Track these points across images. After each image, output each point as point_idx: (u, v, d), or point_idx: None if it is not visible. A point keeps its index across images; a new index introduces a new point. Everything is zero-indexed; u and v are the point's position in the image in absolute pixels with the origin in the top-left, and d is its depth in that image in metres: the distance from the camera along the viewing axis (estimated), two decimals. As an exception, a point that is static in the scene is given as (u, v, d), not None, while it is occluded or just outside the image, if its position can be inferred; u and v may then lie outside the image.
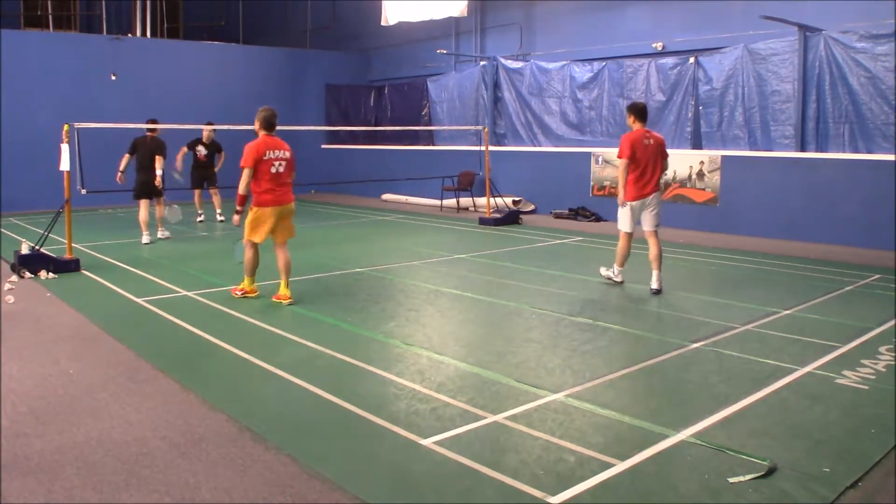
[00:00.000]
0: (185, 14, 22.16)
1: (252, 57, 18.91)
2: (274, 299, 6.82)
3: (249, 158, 6.51)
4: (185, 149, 12.61)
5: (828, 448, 3.70)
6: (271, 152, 6.59)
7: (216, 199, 13.17)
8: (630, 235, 7.49)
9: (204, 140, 12.65)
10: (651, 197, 7.37)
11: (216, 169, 12.90)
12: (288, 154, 6.73)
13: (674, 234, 11.71)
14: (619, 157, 7.31)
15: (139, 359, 5.15)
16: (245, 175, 6.54)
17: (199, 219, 13.11)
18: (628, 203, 7.37)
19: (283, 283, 6.82)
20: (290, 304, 6.71)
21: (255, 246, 6.84)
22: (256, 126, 6.77)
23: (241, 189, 6.57)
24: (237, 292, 7.02)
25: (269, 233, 6.72)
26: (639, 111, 7.44)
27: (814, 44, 11.04)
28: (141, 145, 10.95)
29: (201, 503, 3.15)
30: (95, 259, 9.15)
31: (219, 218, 13.13)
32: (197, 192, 13.00)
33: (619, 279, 7.71)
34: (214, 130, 12.69)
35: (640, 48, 13.91)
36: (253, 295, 6.98)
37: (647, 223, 7.43)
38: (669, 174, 12.65)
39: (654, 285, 7.33)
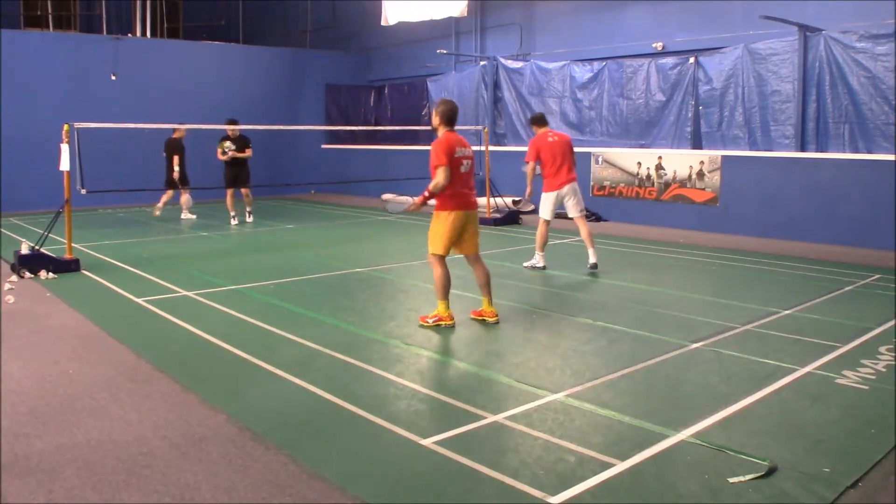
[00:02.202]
0: (185, 14, 22.15)
1: (252, 57, 18.92)
2: (473, 315, 6.17)
3: (443, 155, 5.67)
4: (218, 149, 12.47)
5: (828, 448, 3.70)
6: (460, 150, 5.81)
7: (247, 199, 12.95)
8: (548, 223, 8.46)
9: (230, 136, 12.45)
10: (567, 187, 8.32)
11: (244, 153, 12.43)
12: (471, 152, 5.96)
13: (674, 234, 11.72)
14: (526, 160, 8.34)
15: (139, 359, 5.15)
16: (442, 174, 5.66)
17: (233, 221, 12.73)
18: (549, 194, 8.33)
19: (485, 299, 6.07)
20: (495, 322, 6.03)
21: (443, 260, 5.95)
22: (436, 121, 5.94)
23: (437, 188, 5.71)
24: (429, 320, 5.97)
25: (455, 244, 5.94)
26: (536, 120, 8.54)
27: (814, 44, 11.04)
28: (165, 145, 13.17)
29: (201, 503, 3.16)
30: (95, 259, 9.15)
31: (248, 219, 12.93)
32: (229, 191, 12.69)
33: (541, 264, 8.45)
34: (238, 125, 12.54)
35: (640, 48, 13.91)
36: (449, 323, 5.95)
37: (572, 211, 8.44)
38: (669, 174, 12.68)
39: (592, 260, 8.29)
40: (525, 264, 8.59)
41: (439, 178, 5.70)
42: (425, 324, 6.00)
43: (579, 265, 8.44)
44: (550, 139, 8.29)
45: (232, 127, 12.41)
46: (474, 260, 6.14)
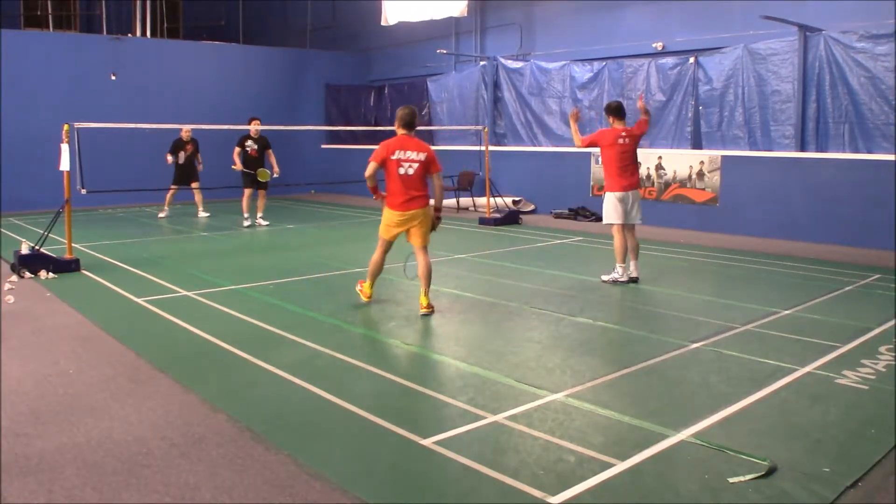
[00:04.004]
0: (185, 14, 22.16)
1: (252, 57, 18.91)
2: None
3: (377, 155, 6.31)
4: (237, 148, 12.26)
5: (828, 448, 3.70)
6: (401, 152, 6.27)
7: (261, 202, 12.59)
8: (622, 227, 7.76)
9: (252, 135, 12.25)
10: (634, 192, 7.77)
11: (275, 173, 12.36)
12: (423, 156, 6.30)
13: (674, 234, 11.72)
14: (581, 144, 7.92)
15: (139, 359, 5.15)
16: (368, 168, 6.31)
17: (246, 223, 12.46)
18: (615, 194, 7.68)
19: (421, 290, 6.38)
20: (427, 314, 6.29)
21: (383, 246, 6.57)
22: (396, 126, 6.48)
23: (367, 182, 6.42)
24: (357, 286, 6.83)
25: (397, 235, 6.49)
26: (614, 110, 7.86)
27: (814, 44, 11.04)
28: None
29: (201, 503, 3.16)
30: (95, 259, 9.15)
31: (261, 222, 12.56)
32: (247, 192, 12.38)
33: (624, 278, 7.75)
34: (260, 124, 12.36)
35: (640, 48, 13.90)
36: (365, 298, 6.70)
37: (632, 219, 7.83)
38: (669, 174, 12.68)
39: (633, 273, 7.80)
40: (604, 278, 7.83)
41: (366, 171, 6.34)
42: (357, 288, 6.83)
43: (579, 265, 8.43)
44: (622, 141, 7.67)
45: (255, 127, 12.22)
46: (418, 251, 6.48)
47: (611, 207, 7.74)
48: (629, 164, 7.77)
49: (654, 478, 3.36)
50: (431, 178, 6.44)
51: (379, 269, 6.69)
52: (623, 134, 7.74)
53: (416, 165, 6.29)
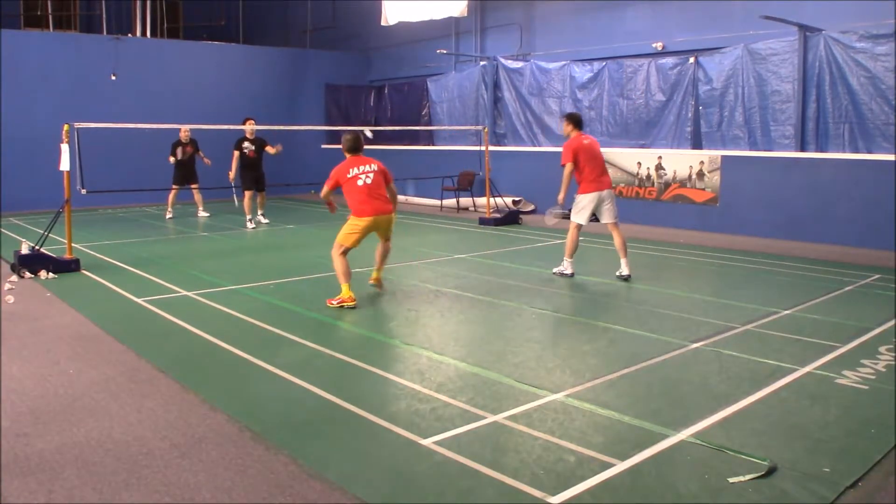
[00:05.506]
0: (185, 14, 22.13)
1: (252, 57, 18.91)
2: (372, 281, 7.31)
3: (331, 179, 7.03)
4: (236, 153, 12.22)
5: (828, 448, 3.70)
6: (355, 169, 6.91)
7: (261, 201, 12.72)
8: (580, 227, 8.08)
9: (248, 136, 12.22)
10: (606, 192, 7.99)
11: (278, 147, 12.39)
12: (375, 167, 7.00)
13: (674, 234, 11.72)
14: (563, 163, 7.98)
15: (139, 359, 5.15)
16: (323, 189, 7.14)
17: (250, 224, 12.39)
18: (589, 195, 7.94)
19: (375, 265, 7.23)
20: (375, 286, 7.24)
21: (344, 252, 6.85)
22: (343, 151, 7.18)
23: (323, 198, 7.31)
24: (334, 302, 6.64)
25: (359, 241, 6.94)
26: (576, 120, 8.22)
27: (814, 44, 11.04)
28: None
29: (201, 503, 3.16)
30: (95, 259, 9.15)
31: (262, 220, 12.69)
32: (248, 194, 12.35)
33: (570, 271, 8.12)
34: (255, 124, 12.31)
35: (640, 48, 13.89)
36: (351, 304, 6.58)
37: (607, 217, 8.03)
38: (669, 174, 12.68)
39: (624, 272, 7.90)
40: (554, 271, 8.23)
41: (322, 191, 7.18)
42: (331, 305, 6.64)
43: (579, 265, 8.42)
44: (585, 142, 8.03)
45: (251, 127, 12.17)
46: (382, 241, 7.20)
47: (583, 207, 8.00)
48: (599, 166, 8.03)
49: (654, 478, 3.36)
50: (388, 186, 7.12)
51: (347, 267, 6.79)
52: (584, 138, 8.07)
53: (371, 175, 6.91)
